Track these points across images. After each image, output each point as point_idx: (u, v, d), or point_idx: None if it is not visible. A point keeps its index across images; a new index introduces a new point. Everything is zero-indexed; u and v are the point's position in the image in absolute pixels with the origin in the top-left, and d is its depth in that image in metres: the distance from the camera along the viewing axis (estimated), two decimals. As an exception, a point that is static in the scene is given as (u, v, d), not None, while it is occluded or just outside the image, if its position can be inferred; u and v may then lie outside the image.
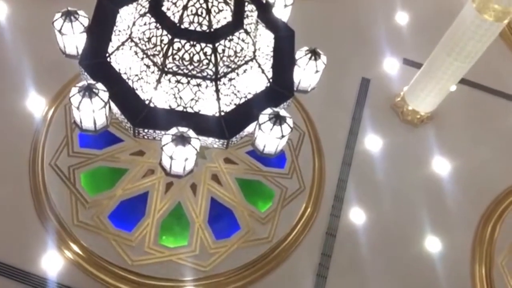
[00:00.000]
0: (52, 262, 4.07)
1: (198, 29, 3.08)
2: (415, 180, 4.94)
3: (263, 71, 3.45)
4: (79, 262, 4.10)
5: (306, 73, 3.59)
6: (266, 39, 3.57)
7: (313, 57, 3.51)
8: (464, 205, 4.85)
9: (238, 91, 3.35)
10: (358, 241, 4.52)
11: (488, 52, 4.45)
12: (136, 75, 3.24)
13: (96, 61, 3.32)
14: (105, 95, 3.10)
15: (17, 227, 4.16)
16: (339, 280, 4.32)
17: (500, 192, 4.96)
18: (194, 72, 3.15)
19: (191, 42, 3.03)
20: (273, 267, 4.30)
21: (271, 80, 3.46)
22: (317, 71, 3.57)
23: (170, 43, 3.03)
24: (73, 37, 3.43)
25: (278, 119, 3.21)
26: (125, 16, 3.48)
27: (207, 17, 3.05)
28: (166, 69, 3.13)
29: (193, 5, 3.03)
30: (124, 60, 3.31)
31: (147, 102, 3.20)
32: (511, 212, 4.78)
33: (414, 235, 4.65)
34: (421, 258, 4.55)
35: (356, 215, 4.65)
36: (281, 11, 3.69)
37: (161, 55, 3.08)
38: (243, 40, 3.20)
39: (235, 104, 3.33)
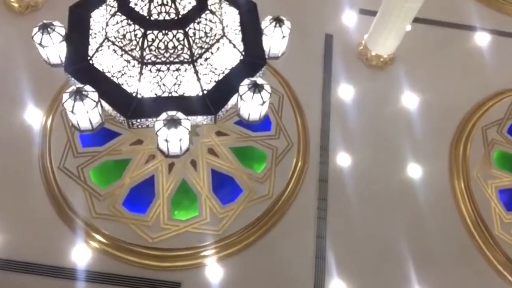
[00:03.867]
0: (81, 254, 4.06)
1: (167, 18, 2.99)
2: (390, 117, 4.96)
3: (234, 46, 3.38)
4: (105, 249, 4.10)
5: (274, 40, 3.52)
6: (231, 15, 3.48)
7: (277, 24, 3.44)
8: (436, 131, 4.89)
9: (216, 69, 3.28)
10: (348, 181, 4.56)
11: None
12: (119, 71, 3.16)
13: (79, 66, 3.23)
14: (94, 95, 3.03)
15: (43, 231, 4.13)
16: (338, 218, 4.39)
17: (466, 112, 5.00)
18: (172, 59, 3.08)
19: (163, 31, 2.95)
20: (278, 218, 4.34)
21: (243, 53, 3.39)
22: (283, 37, 3.50)
23: (144, 36, 2.94)
24: (54, 48, 3.32)
25: (256, 88, 3.16)
26: (98, 18, 3.37)
27: (173, 5, 2.96)
28: (145, 61, 3.05)
29: (158, -3, 2.93)
30: (105, 59, 3.22)
31: (134, 94, 3.13)
32: (478, 129, 4.83)
33: (397, 166, 4.70)
34: (406, 184, 4.61)
35: (343, 159, 4.68)
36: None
37: (138, 48, 3.00)
38: (210, 21, 3.11)
39: (215, 81, 3.27)
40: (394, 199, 4.51)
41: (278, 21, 3.44)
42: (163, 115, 3.01)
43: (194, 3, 3.03)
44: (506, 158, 4.69)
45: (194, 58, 3.12)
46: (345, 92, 5.05)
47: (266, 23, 3.47)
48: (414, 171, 4.66)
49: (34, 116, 4.60)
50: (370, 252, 4.25)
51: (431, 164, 4.70)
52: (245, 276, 4.08)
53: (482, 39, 5.50)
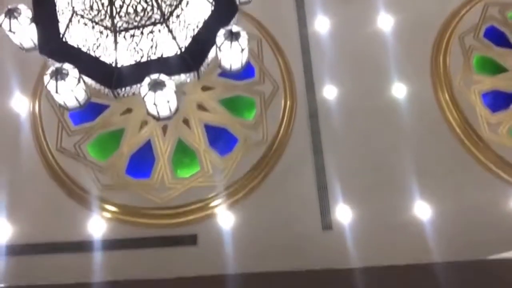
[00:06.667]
0: (96, 226, 4.16)
1: (130, -20, 2.88)
2: (369, 42, 4.90)
3: (203, -3, 3.29)
4: (118, 217, 4.19)
5: (241, -16, 3.43)
6: (194, -33, 3.35)
7: (242, -33, 3.34)
8: (415, 48, 4.86)
9: (189, 24, 3.22)
10: (337, 111, 4.58)
11: None
12: (94, 44, 3.09)
13: (53, 45, 3.16)
14: (75, 71, 2.99)
15: (56, 212, 4.21)
16: (333, 148, 4.46)
17: (441, 24, 4.95)
18: (143, 22, 3.00)
19: (129, -5, 2.86)
20: (277, 159, 4.42)
21: (213, 3, 3.31)
22: (250, -21, 3.41)
23: (111, 3, 2.86)
24: (24, 32, 3.24)
25: (233, 36, 3.12)
26: (61, -6, 3.25)
27: (133, -33, 2.85)
28: (118, 29, 2.98)
29: (116, -40, 2.82)
30: (78, 34, 3.14)
31: (113, 64, 3.09)
32: (455, 39, 4.79)
33: (382, 88, 4.71)
34: (393, 105, 4.65)
35: (329, 92, 4.68)
36: None
37: (107, 17, 2.92)
38: (174, -24, 3.01)
39: (190, 37, 3.22)
40: (383, 122, 4.56)
41: (242, -36, 3.33)
42: (147, 80, 2.99)
43: (154, -40, 2.92)
44: (485, 61, 4.70)
45: (166, 17, 3.05)
46: (321, 24, 4.96)
47: (230, -31, 3.36)
48: (399, 91, 4.68)
49: (20, 103, 4.55)
50: (368, 175, 4.36)
51: (414, 81, 4.71)
52: (255, 218, 4.22)
53: None
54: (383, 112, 4.60)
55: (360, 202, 4.25)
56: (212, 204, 4.25)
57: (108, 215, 4.20)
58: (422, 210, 4.22)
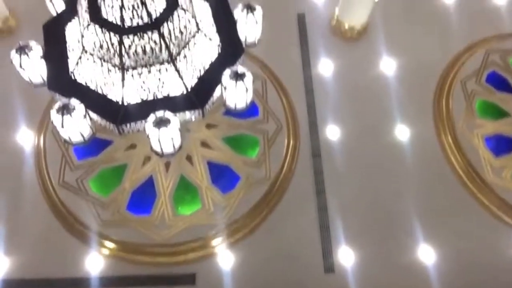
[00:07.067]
0: (94, 262, 4.09)
1: (140, 22, 2.96)
2: (372, 85, 4.97)
3: (210, 39, 3.37)
4: (117, 254, 4.13)
5: (248, 27, 3.51)
6: (203, 9, 3.46)
7: (249, 11, 3.43)
8: (417, 92, 4.92)
9: (196, 64, 3.28)
10: (340, 152, 4.60)
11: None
12: (102, 81, 3.14)
13: (62, 82, 3.21)
14: (81, 107, 3.02)
15: (54, 246, 4.15)
16: (336, 188, 4.44)
17: (443, 69, 5.02)
18: (151, 61, 3.06)
19: (138, 35, 2.93)
20: (279, 198, 4.39)
21: (220, 44, 3.38)
22: (257, 22, 3.50)
23: (120, 43, 2.92)
24: (34, 68, 3.30)
25: (238, 76, 3.17)
26: (72, 32, 3.34)
27: (144, 9, 2.94)
28: (126, 67, 3.04)
29: (128, 3, 2.90)
30: (86, 71, 3.20)
31: (120, 102, 3.13)
32: (457, 83, 4.87)
33: (385, 130, 4.74)
34: (396, 147, 4.67)
35: (332, 132, 4.71)
36: (207, -21, 3.56)
37: (116, 56, 2.98)
38: (183, 18, 3.09)
39: (197, 77, 3.27)
40: (386, 163, 4.56)
41: (249, 7, 3.43)
42: (152, 117, 3.02)
43: (164, 3, 3.01)
44: (488, 106, 4.75)
45: (173, 57, 3.11)
46: (325, 67, 5.05)
47: (238, 12, 3.46)
48: (402, 133, 4.70)
49: (25, 137, 4.58)
50: (371, 216, 4.33)
51: (417, 124, 4.74)
52: (255, 258, 4.15)
53: (449, -6, 5.52)
54: (386, 154, 4.61)
55: (363, 244, 4.19)
56: (212, 243, 4.19)
57: (107, 251, 4.13)
58: (425, 253, 4.15)
